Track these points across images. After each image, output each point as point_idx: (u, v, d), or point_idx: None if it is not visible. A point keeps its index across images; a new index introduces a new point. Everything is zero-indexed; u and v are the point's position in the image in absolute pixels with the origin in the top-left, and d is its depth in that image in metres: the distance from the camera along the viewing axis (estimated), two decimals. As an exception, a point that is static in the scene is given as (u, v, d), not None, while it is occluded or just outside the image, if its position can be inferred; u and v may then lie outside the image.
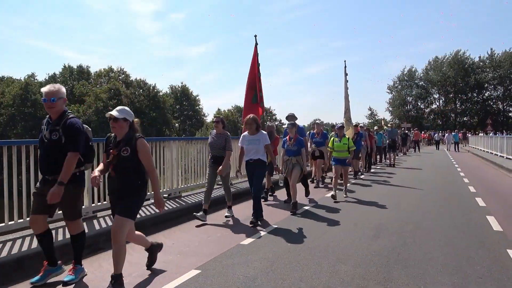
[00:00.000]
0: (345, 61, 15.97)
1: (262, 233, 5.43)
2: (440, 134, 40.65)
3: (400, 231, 5.45)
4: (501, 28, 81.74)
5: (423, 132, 43.51)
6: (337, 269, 3.94)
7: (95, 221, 5.31)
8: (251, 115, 6.29)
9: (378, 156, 17.47)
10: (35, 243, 4.12)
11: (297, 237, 5.19)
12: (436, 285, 3.54)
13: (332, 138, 8.58)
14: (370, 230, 5.50)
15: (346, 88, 14.54)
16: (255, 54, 9.38)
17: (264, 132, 6.34)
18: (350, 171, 10.71)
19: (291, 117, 8.65)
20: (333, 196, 7.90)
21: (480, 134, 37.00)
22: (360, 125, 14.10)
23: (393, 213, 6.69)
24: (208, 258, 4.33)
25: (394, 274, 3.81)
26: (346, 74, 14.71)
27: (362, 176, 12.40)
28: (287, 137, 7.33)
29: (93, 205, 5.73)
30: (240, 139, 6.37)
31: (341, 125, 9.03)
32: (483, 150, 25.33)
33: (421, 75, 61.53)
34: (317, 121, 11.31)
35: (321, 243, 4.89)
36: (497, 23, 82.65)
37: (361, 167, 13.42)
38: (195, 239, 5.21)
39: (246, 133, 6.25)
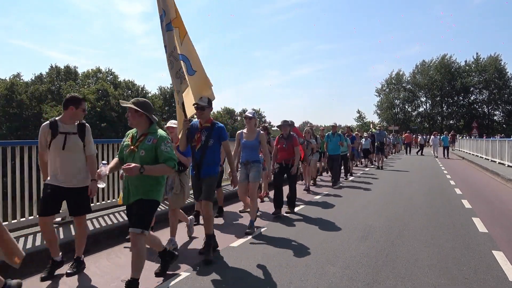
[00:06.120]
0: None
1: (252, 235, 5.43)
2: (411, 135, 34.70)
3: (388, 233, 5.50)
4: (488, 32, 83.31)
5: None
6: (326, 271, 3.96)
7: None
8: None
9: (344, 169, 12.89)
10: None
11: (286, 239, 5.20)
12: (423, 286, 3.58)
13: None
14: (358, 232, 5.55)
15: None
16: None
17: None
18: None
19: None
20: None
21: (465, 137, 37.13)
22: (247, 113, 6.13)
23: (381, 215, 6.75)
24: (197, 260, 4.32)
25: (382, 275, 3.85)
26: None
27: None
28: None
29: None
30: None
31: None
32: (469, 153, 25.78)
33: (409, 78, 62.42)
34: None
35: (310, 245, 4.91)
36: (484, 27, 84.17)
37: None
38: (184, 241, 5.19)
39: None
